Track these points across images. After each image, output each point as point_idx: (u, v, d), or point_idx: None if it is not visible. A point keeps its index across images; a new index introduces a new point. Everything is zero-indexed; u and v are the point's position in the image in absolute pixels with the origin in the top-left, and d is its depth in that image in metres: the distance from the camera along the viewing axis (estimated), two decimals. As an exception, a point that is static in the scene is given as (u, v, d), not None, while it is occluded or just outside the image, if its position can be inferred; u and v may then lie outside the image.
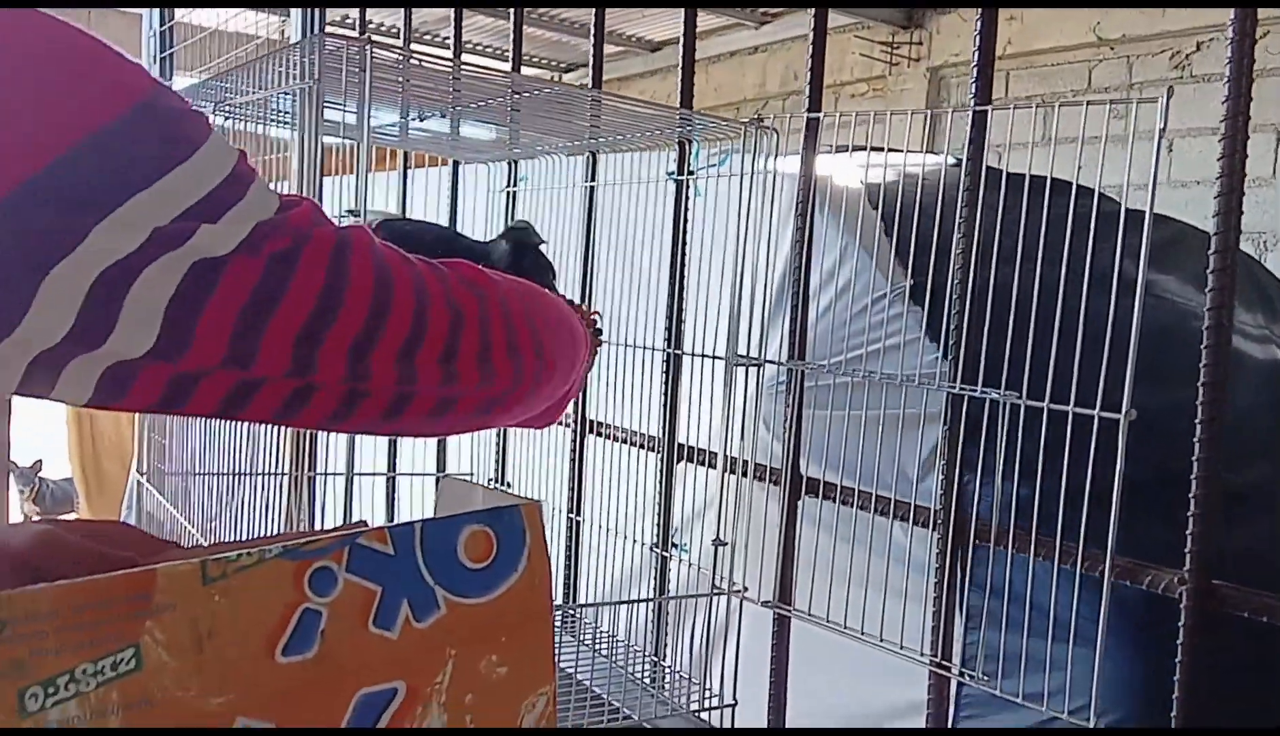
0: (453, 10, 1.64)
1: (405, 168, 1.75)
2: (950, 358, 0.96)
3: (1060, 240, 1.20)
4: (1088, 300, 1.00)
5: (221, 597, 0.49)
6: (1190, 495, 0.81)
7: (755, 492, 1.19)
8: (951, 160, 3.46)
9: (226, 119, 1.11)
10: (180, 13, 2.90)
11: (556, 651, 0.60)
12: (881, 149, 2.66)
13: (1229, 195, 0.87)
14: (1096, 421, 0.84)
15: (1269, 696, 1.11)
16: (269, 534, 1.54)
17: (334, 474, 1.45)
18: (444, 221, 1.73)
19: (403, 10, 1.71)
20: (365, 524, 0.75)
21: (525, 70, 6.51)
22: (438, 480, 1.65)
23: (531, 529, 0.57)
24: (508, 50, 1.73)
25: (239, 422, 1.40)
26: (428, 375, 0.58)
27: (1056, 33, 5.04)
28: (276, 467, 1.43)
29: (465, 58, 1.91)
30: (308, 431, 1.42)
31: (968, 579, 2.18)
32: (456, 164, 1.73)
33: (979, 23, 0.98)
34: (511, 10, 1.52)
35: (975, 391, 0.93)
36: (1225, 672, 0.82)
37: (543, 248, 1.14)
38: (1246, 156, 0.94)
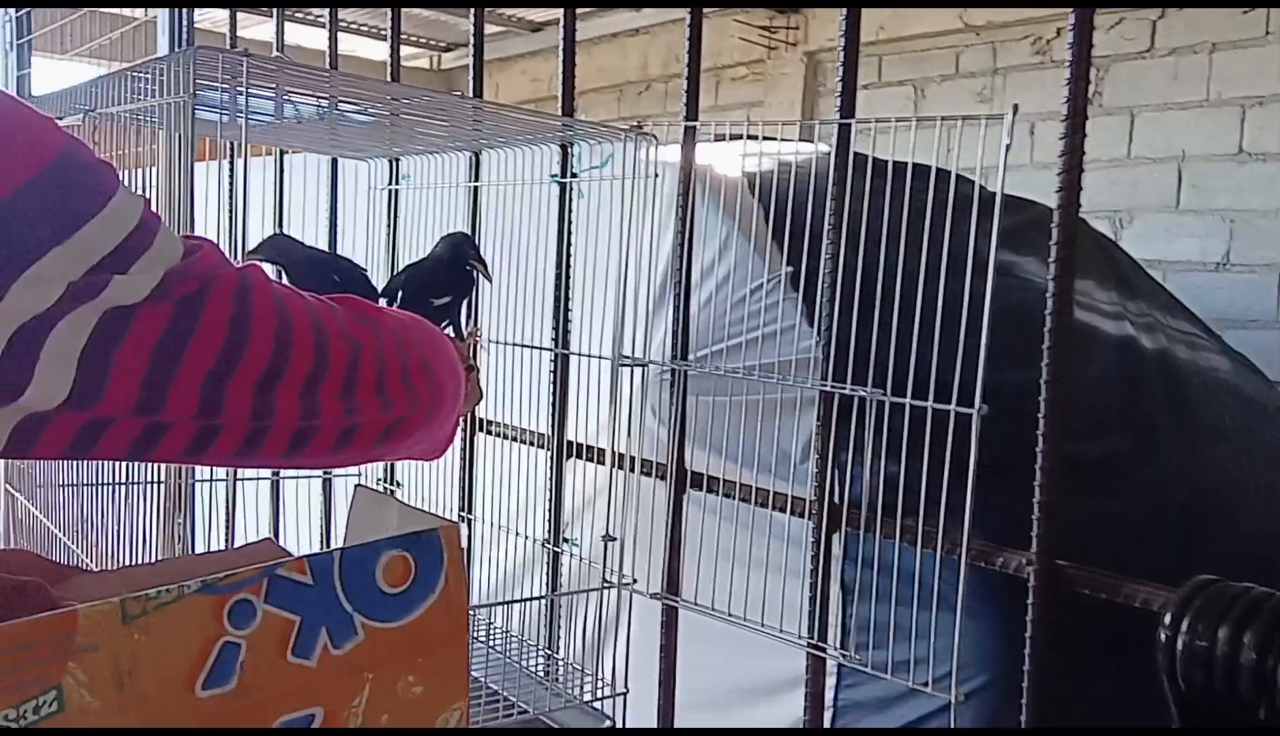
0: (328, 24, 1.62)
1: (281, 155, 1.72)
2: (823, 352, 1.02)
3: (925, 226, 1.26)
4: (947, 288, 1.06)
5: (142, 635, 0.50)
6: (1035, 483, 0.88)
7: (643, 486, 1.23)
8: (825, 148, 3.56)
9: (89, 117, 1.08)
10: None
11: (467, 664, 0.62)
12: (761, 138, 2.72)
13: (1070, 172, 0.93)
14: (953, 416, 0.90)
15: (1121, 663, 1.20)
16: (150, 546, 1.51)
17: (216, 480, 1.43)
18: (324, 217, 1.72)
19: (275, 13, 1.69)
20: (271, 541, 0.75)
21: (403, 49, 6.40)
22: (355, 488, 1.64)
23: (449, 550, 0.60)
24: (385, 29, 1.72)
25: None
26: (329, 406, 0.59)
27: (925, 19, 5.21)
28: (153, 475, 1.41)
29: (342, 40, 1.89)
30: None
31: (844, 557, 2.27)
32: (335, 160, 1.71)
33: (843, 40, 1.03)
34: (389, 19, 1.52)
35: (845, 388, 0.99)
36: (1080, 643, 0.90)
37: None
38: (1085, 136, 1.01)
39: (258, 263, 0.61)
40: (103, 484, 1.41)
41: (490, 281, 1.22)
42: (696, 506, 1.29)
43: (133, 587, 0.64)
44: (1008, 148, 0.95)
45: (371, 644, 0.57)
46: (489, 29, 7.01)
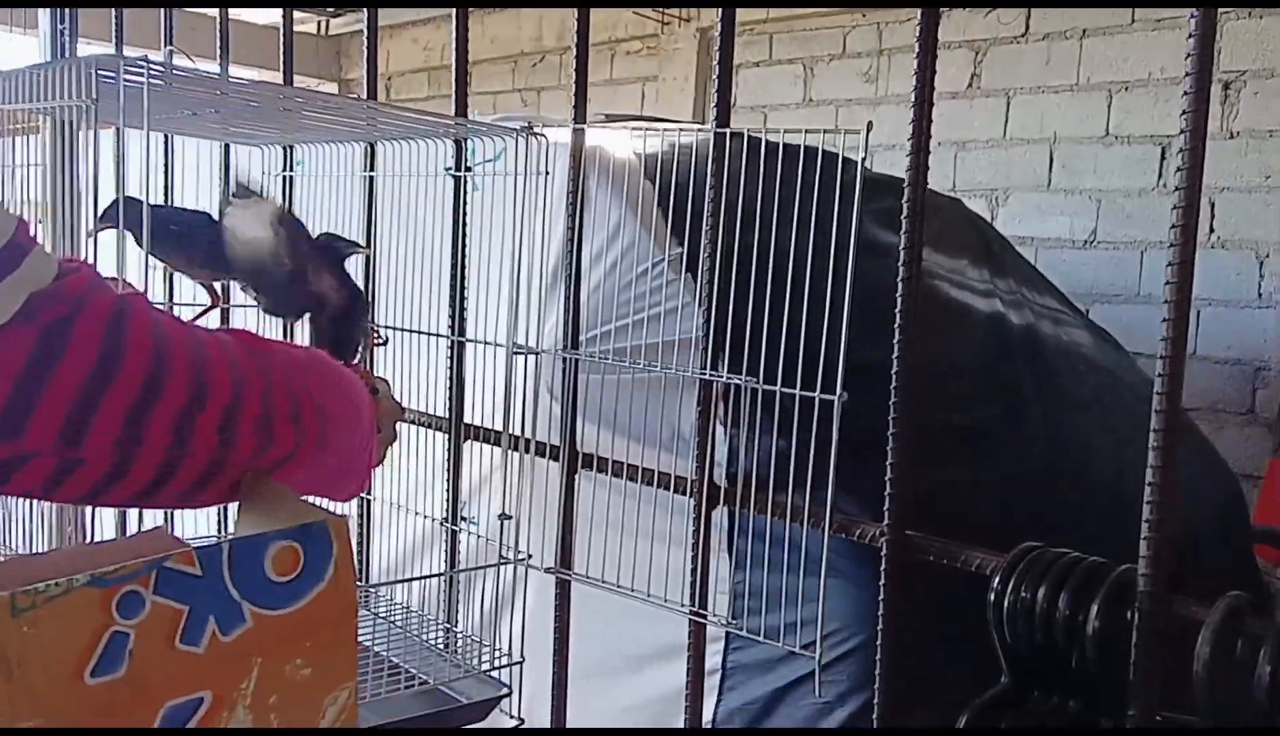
0: (217, 19, 1.62)
1: (168, 139, 1.72)
2: (702, 340, 1.10)
3: (796, 210, 1.34)
4: (817, 272, 1.14)
5: (30, 627, 0.52)
6: (888, 461, 0.98)
7: (538, 465, 1.30)
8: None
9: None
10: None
11: (355, 650, 0.67)
12: (653, 119, 2.81)
13: (918, 154, 1.02)
14: (817, 402, 0.99)
15: (964, 622, 1.33)
16: (41, 538, 1.52)
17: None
18: (215, 204, 1.72)
19: (161, 12, 1.68)
20: (162, 530, 0.78)
21: (278, 12, 6.23)
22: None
23: (338, 540, 0.63)
24: None
25: None
26: (204, 439, 0.58)
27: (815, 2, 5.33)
28: None
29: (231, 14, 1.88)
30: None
31: (733, 527, 2.38)
32: (227, 145, 1.72)
33: (718, 52, 1.10)
34: (281, 21, 1.53)
35: (721, 377, 1.07)
36: (930, 605, 1.00)
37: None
38: (931, 121, 1.08)
39: (138, 292, 0.59)
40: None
41: (364, 250, 1.25)
42: (588, 481, 1.36)
43: (23, 579, 0.66)
44: (863, 160, 1.03)
45: (260, 630, 0.59)
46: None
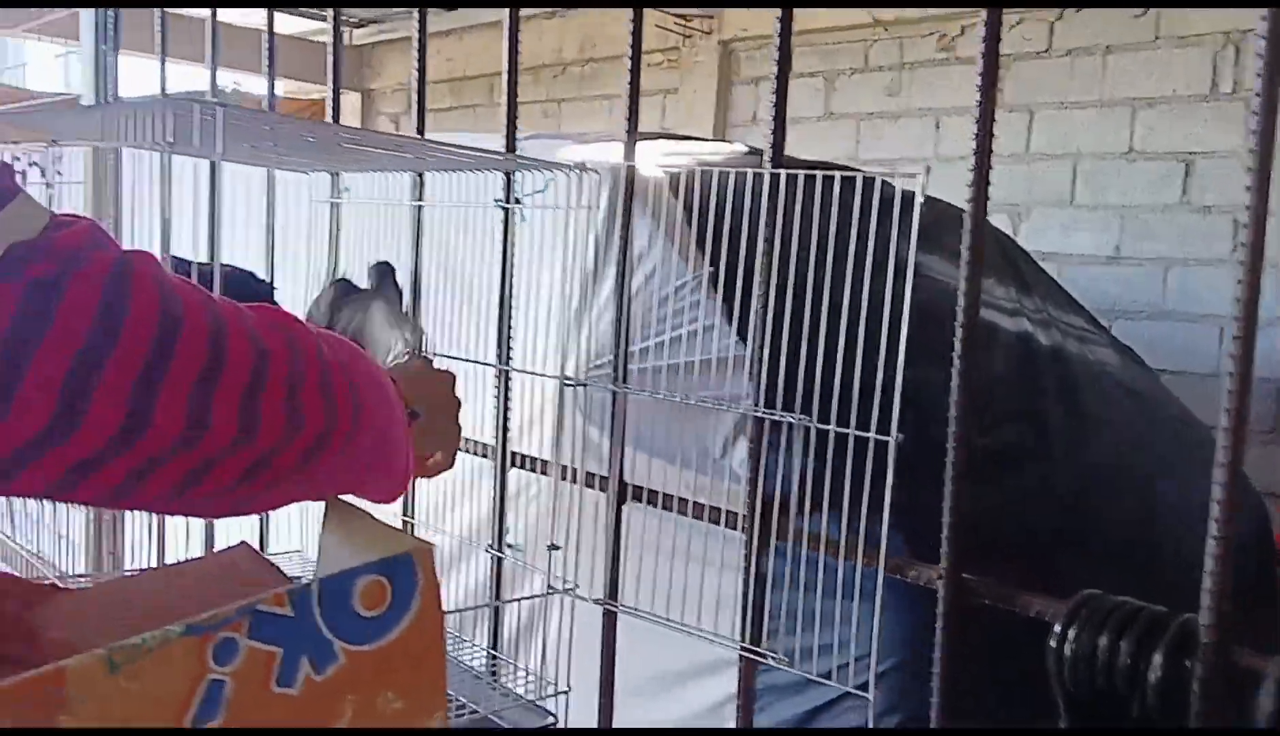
0: (265, 72, 1.64)
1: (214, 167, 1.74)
2: (753, 378, 1.11)
3: (844, 234, 1.34)
4: (865, 302, 1.14)
5: (128, 682, 0.52)
6: (945, 505, 0.99)
7: (576, 491, 1.31)
8: (744, 148, 3.67)
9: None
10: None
11: (445, 677, 0.67)
12: (680, 137, 2.82)
13: (980, 171, 1.02)
14: (872, 443, 1.00)
15: (1024, 670, 1.33)
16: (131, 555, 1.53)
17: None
18: (260, 228, 1.74)
19: (207, 28, 1.70)
20: (247, 545, 0.78)
21: (301, 21, 6.26)
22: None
23: (424, 571, 0.62)
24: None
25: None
26: (224, 416, 0.51)
27: (836, 13, 5.34)
28: None
29: (260, 14, 1.90)
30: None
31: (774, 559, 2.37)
32: (271, 171, 1.74)
33: (774, 96, 1.11)
34: (329, 54, 1.55)
35: (775, 414, 1.08)
36: (981, 647, 1.01)
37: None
38: (993, 136, 1.08)
39: (149, 252, 0.51)
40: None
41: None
42: (636, 509, 1.36)
43: (110, 606, 0.67)
44: (920, 205, 1.04)
45: (352, 666, 0.59)
46: (400, 7, 6.79)
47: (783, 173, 1.10)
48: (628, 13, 1.25)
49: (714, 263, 2.54)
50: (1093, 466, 2.87)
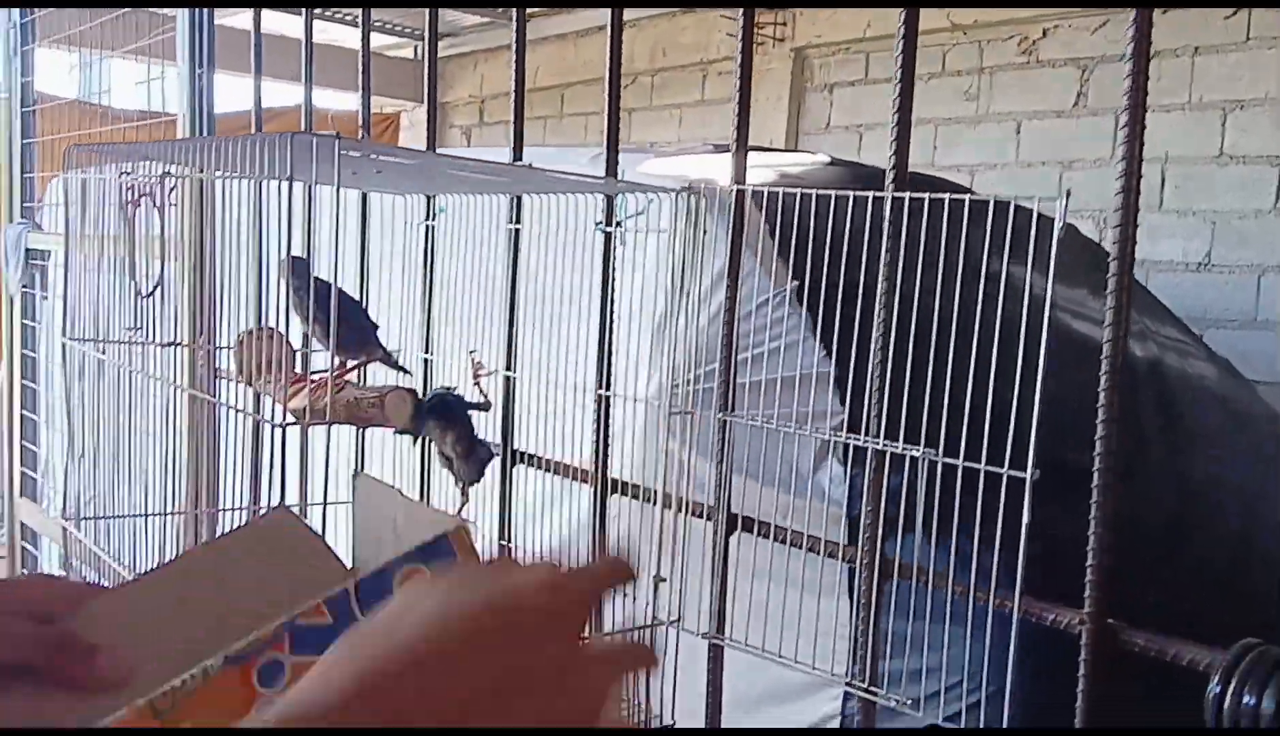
0: (360, 95, 1.64)
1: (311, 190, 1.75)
2: (870, 413, 1.06)
3: (954, 251, 1.29)
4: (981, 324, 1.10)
5: (176, 718, 0.50)
6: (1090, 546, 0.94)
7: (680, 522, 1.28)
8: (825, 159, 3.61)
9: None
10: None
11: None
12: (759, 148, 2.77)
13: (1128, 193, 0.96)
14: (1005, 479, 0.95)
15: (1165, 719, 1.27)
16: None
17: (235, 509, 1.46)
18: (353, 250, 1.74)
19: (302, 50, 1.70)
20: (285, 510, 0.75)
21: (375, 37, 6.34)
22: (354, 476, 1.67)
23: (461, 549, 0.59)
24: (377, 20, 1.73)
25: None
26: None
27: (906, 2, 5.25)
28: (175, 506, 1.43)
29: (321, 29, 1.92)
30: (208, 467, 1.43)
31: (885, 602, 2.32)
32: (365, 195, 1.74)
33: (895, 126, 1.07)
34: (425, 74, 1.54)
35: (896, 448, 1.04)
36: (1121, 697, 0.96)
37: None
38: (1143, 143, 0.99)
39: None
40: (150, 515, 1.44)
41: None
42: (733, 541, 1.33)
43: (156, 603, 0.64)
44: (1059, 230, 0.99)
45: None
46: (471, 19, 6.93)
47: (907, 196, 1.06)
48: (700, 21, 1.21)
49: (798, 276, 2.49)
50: (1191, 483, 2.77)
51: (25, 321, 3.01)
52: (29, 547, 3.05)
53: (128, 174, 1.11)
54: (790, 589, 2.25)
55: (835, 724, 2.29)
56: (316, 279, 1.28)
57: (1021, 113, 5.12)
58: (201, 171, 0.98)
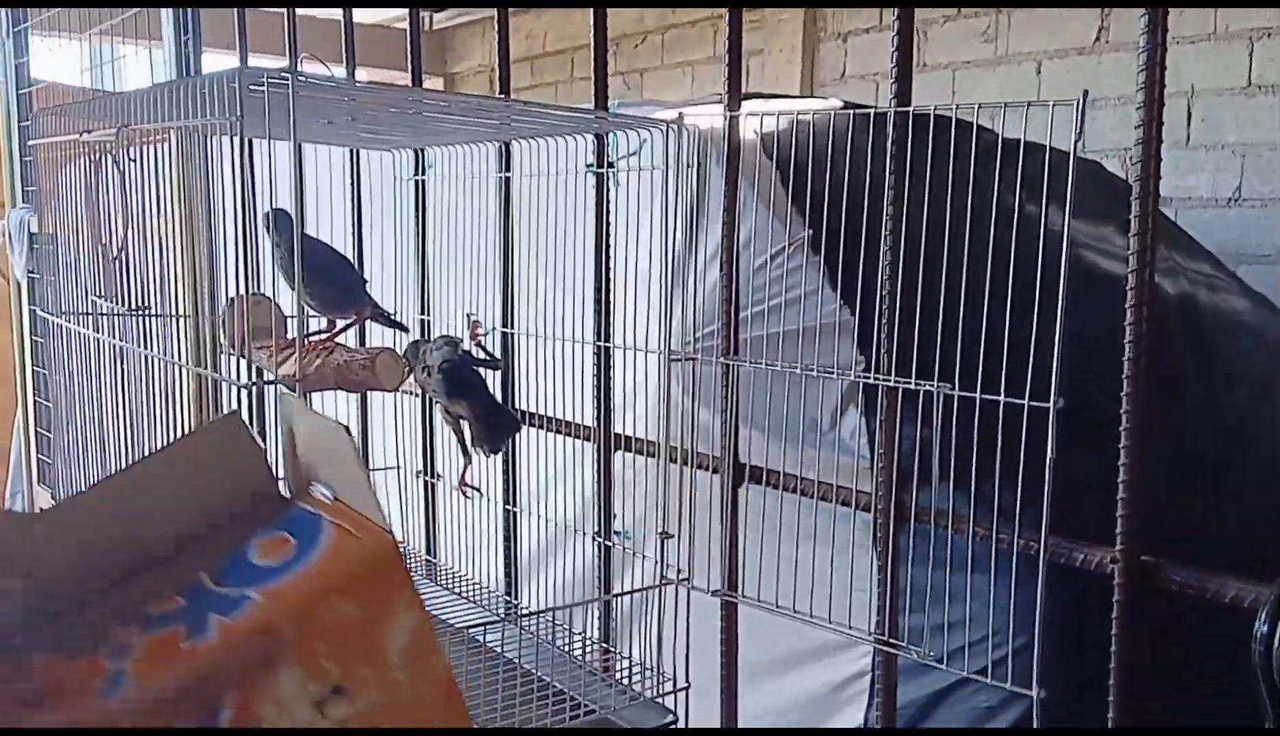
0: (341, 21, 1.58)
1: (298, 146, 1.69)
2: (882, 349, 1.00)
3: (965, 187, 1.22)
4: (997, 255, 1.03)
5: None
6: (1120, 479, 0.87)
7: (689, 477, 1.22)
8: (838, 104, 3.51)
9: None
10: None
11: (412, 584, 0.58)
12: (771, 96, 2.68)
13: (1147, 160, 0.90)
14: (1026, 410, 0.89)
15: (1201, 660, 1.20)
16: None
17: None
18: (346, 207, 1.69)
19: (285, 14, 1.64)
20: (235, 415, 0.69)
21: (382, 11, 6.28)
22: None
23: (327, 512, 0.57)
24: None
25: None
26: None
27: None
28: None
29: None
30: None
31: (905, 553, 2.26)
32: (356, 150, 1.68)
33: (896, 25, 0.99)
34: (391, 19, 1.47)
35: (909, 383, 0.97)
36: (1155, 638, 0.90)
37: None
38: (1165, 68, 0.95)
39: None
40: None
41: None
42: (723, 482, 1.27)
43: (71, 531, 0.59)
44: (1078, 139, 0.92)
45: (271, 598, 0.54)
46: (480, -14, 6.73)
47: (910, 111, 0.98)
48: None
49: (813, 225, 2.42)
50: (1229, 425, 2.68)
51: (33, 307, 2.98)
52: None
53: (87, 132, 1.06)
54: (809, 542, 2.19)
55: (866, 682, 2.24)
56: (303, 235, 1.23)
57: (1041, 52, 4.98)
58: (150, 124, 0.93)
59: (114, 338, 1.10)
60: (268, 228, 1.12)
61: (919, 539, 2.11)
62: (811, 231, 2.43)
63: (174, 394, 1.11)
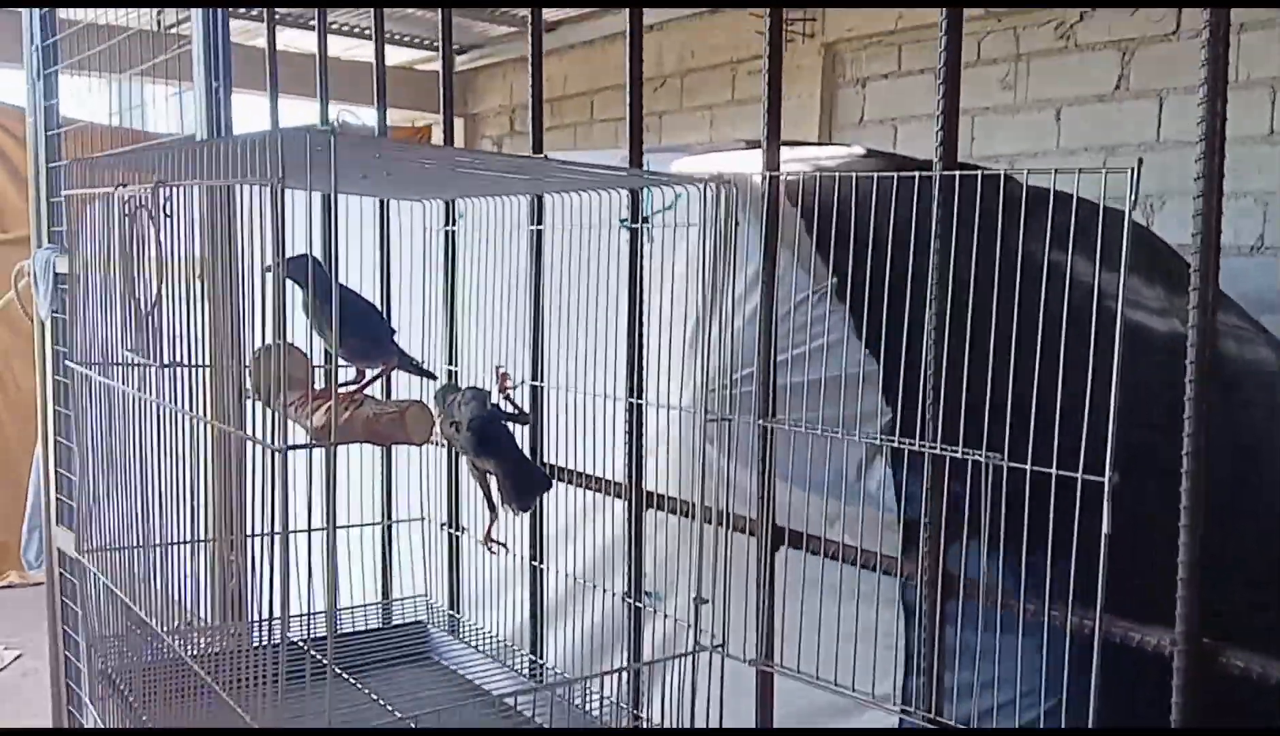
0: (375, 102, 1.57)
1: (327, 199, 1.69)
2: (925, 416, 0.97)
3: (1006, 244, 1.20)
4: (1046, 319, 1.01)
5: None
6: (1180, 559, 0.84)
7: (726, 539, 1.20)
8: (861, 151, 3.50)
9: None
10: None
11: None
12: (792, 143, 2.66)
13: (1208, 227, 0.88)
14: (1080, 485, 0.86)
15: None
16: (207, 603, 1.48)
17: (263, 534, 1.39)
18: (374, 257, 1.68)
19: (316, 63, 1.64)
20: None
21: (406, 51, 6.33)
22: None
23: None
24: (394, 33, 1.66)
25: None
26: None
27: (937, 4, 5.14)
28: (200, 534, 1.37)
29: (340, 43, 1.85)
30: (236, 495, 1.36)
31: (907, 584, 2.22)
32: (385, 200, 1.68)
33: (941, 84, 0.98)
34: (440, 76, 1.47)
35: (956, 452, 0.95)
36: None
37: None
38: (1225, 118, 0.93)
39: None
40: (153, 545, 1.37)
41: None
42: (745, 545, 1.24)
43: None
44: (1132, 208, 0.90)
45: None
46: (499, 30, 6.91)
47: (957, 175, 0.97)
48: (729, 22, 1.15)
49: (838, 273, 2.40)
50: (1255, 479, 2.63)
51: (57, 347, 2.99)
52: (67, 575, 3.03)
53: (122, 185, 1.05)
54: (836, 600, 2.15)
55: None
56: (329, 282, 1.21)
57: (1061, 99, 4.98)
58: (190, 179, 0.92)
59: (142, 391, 1.09)
60: (296, 276, 1.11)
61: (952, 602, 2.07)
62: (836, 280, 2.41)
63: (200, 447, 1.10)
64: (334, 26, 5.74)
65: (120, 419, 1.15)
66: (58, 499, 2.98)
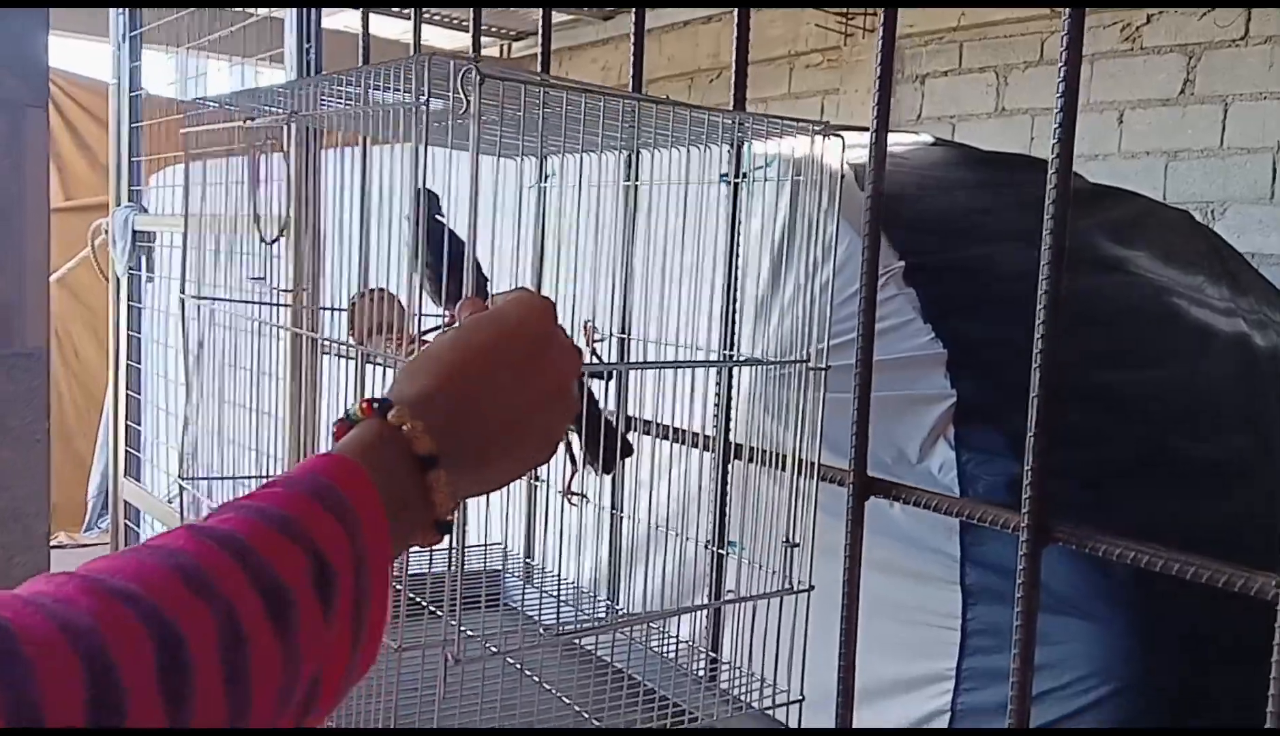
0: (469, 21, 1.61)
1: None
2: (1028, 494, 0.98)
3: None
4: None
5: None
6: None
7: (817, 488, 1.22)
8: (929, 139, 3.49)
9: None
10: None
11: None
12: (861, 128, 2.69)
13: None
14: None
15: None
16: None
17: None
18: (465, 216, 1.71)
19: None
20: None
21: (469, 37, 6.42)
22: None
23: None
24: (455, 18, 1.71)
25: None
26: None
27: (1010, 4, 5.12)
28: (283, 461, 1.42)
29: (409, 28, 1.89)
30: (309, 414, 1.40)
31: (965, 559, 2.22)
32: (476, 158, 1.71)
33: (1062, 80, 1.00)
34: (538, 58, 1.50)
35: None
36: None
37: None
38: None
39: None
40: (264, 476, 1.42)
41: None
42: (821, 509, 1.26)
43: None
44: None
45: None
46: (558, 17, 6.98)
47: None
48: (788, 14, 1.18)
49: (905, 256, 2.41)
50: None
51: (131, 303, 3.07)
52: (130, 525, 3.11)
53: (251, 120, 1.10)
54: (900, 577, 2.16)
55: (943, 721, 2.20)
56: (439, 223, 1.25)
57: (1124, 102, 4.95)
58: (313, 112, 0.96)
59: (269, 319, 1.13)
60: (416, 206, 1.14)
61: (989, 568, 2.07)
62: (904, 264, 2.43)
63: (313, 371, 1.14)
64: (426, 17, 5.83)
65: (231, 349, 1.20)
66: (127, 451, 3.06)
